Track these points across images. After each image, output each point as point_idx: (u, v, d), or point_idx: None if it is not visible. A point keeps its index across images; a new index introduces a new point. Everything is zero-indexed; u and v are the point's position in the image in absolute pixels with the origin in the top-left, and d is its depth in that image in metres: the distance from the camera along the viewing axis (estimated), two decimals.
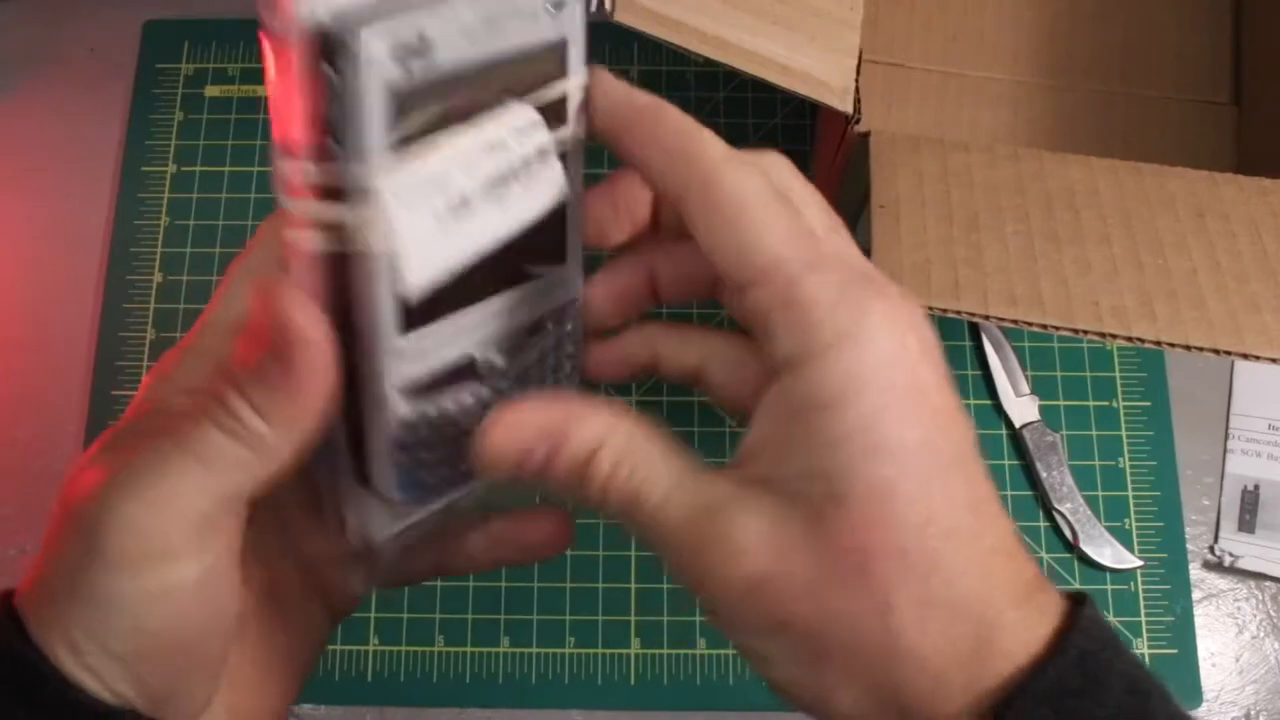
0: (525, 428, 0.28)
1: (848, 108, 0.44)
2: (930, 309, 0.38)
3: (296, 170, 0.26)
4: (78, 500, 0.26)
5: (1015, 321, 0.38)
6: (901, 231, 0.40)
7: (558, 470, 0.28)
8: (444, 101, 0.27)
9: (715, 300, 0.31)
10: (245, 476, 0.27)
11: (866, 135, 0.43)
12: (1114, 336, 0.38)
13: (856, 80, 0.44)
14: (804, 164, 0.63)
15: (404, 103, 0.26)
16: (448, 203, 0.27)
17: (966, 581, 0.25)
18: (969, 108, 0.57)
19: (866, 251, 0.39)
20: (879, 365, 0.25)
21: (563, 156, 0.30)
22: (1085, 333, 0.38)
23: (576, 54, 0.29)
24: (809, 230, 0.27)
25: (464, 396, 0.30)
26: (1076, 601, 0.27)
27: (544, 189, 0.29)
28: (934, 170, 0.42)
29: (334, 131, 0.25)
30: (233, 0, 0.67)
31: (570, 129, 0.30)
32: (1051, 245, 0.40)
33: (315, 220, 0.26)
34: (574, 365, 0.33)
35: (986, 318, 0.38)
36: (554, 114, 0.29)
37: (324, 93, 0.25)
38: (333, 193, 0.26)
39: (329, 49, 0.24)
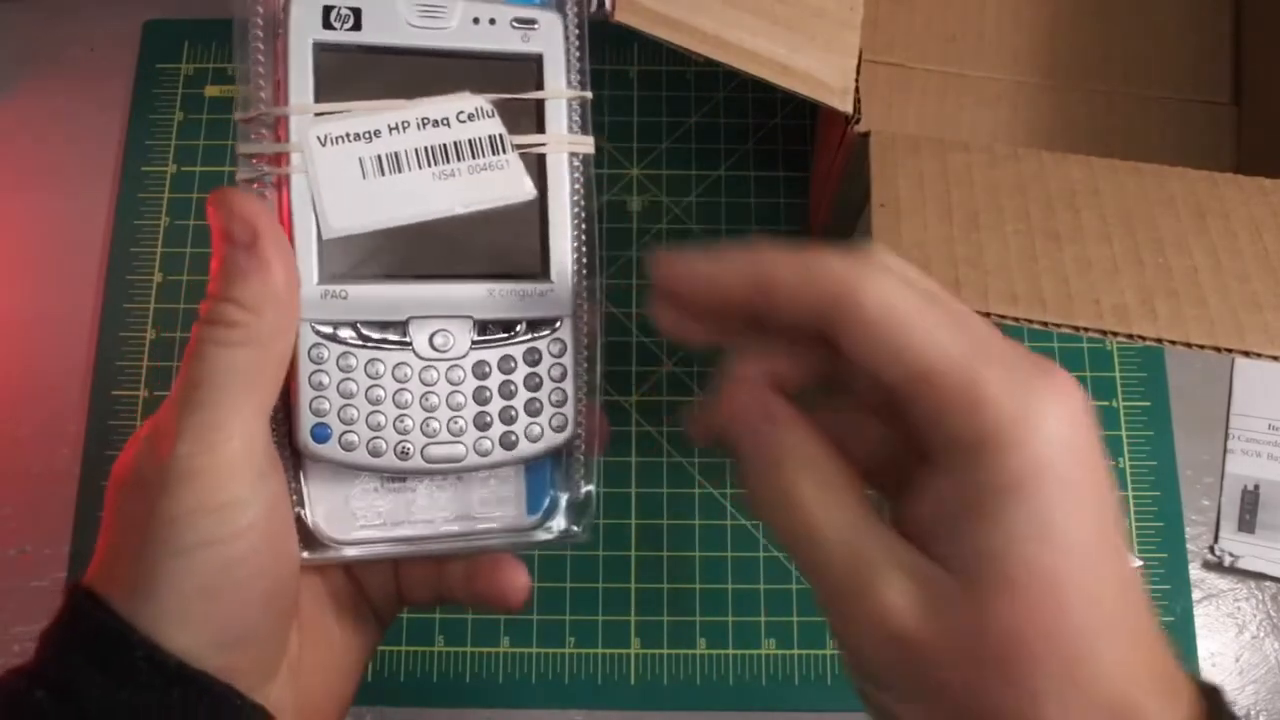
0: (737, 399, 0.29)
1: (848, 108, 0.44)
2: None
3: (259, 115, 0.31)
4: (131, 471, 0.29)
5: (1016, 319, 0.38)
6: (902, 230, 0.40)
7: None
8: (384, 76, 0.32)
9: None
10: (257, 380, 0.29)
11: (866, 135, 0.43)
12: (1115, 334, 0.37)
13: (856, 80, 0.44)
14: (804, 164, 0.63)
15: (336, 64, 0.31)
16: (374, 155, 0.31)
17: (1113, 673, 0.25)
18: (969, 108, 0.57)
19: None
20: (1056, 454, 0.25)
21: (540, 162, 0.33)
22: (1086, 330, 0.38)
23: (555, 70, 0.33)
24: (960, 320, 0.28)
25: (398, 363, 0.32)
26: (1210, 691, 0.27)
27: (501, 181, 0.32)
28: (934, 170, 0.42)
29: (280, 81, 0.31)
30: (231, 1, 0.67)
31: (549, 138, 0.33)
32: (1052, 244, 0.40)
33: (258, 155, 0.31)
34: (565, 399, 0.34)
35: (987, 315, 0.38)
36: (526, 117, 0.32)
37: (278, 48, 0.31)
38: (276, 135, 0.31)
39: (284, 11, 0.31)
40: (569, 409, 0.34)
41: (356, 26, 0.31)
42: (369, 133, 0.31)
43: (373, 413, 0.32)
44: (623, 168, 0.62)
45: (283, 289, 0.29)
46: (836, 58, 0.44)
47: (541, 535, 0.35)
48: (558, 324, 0.34)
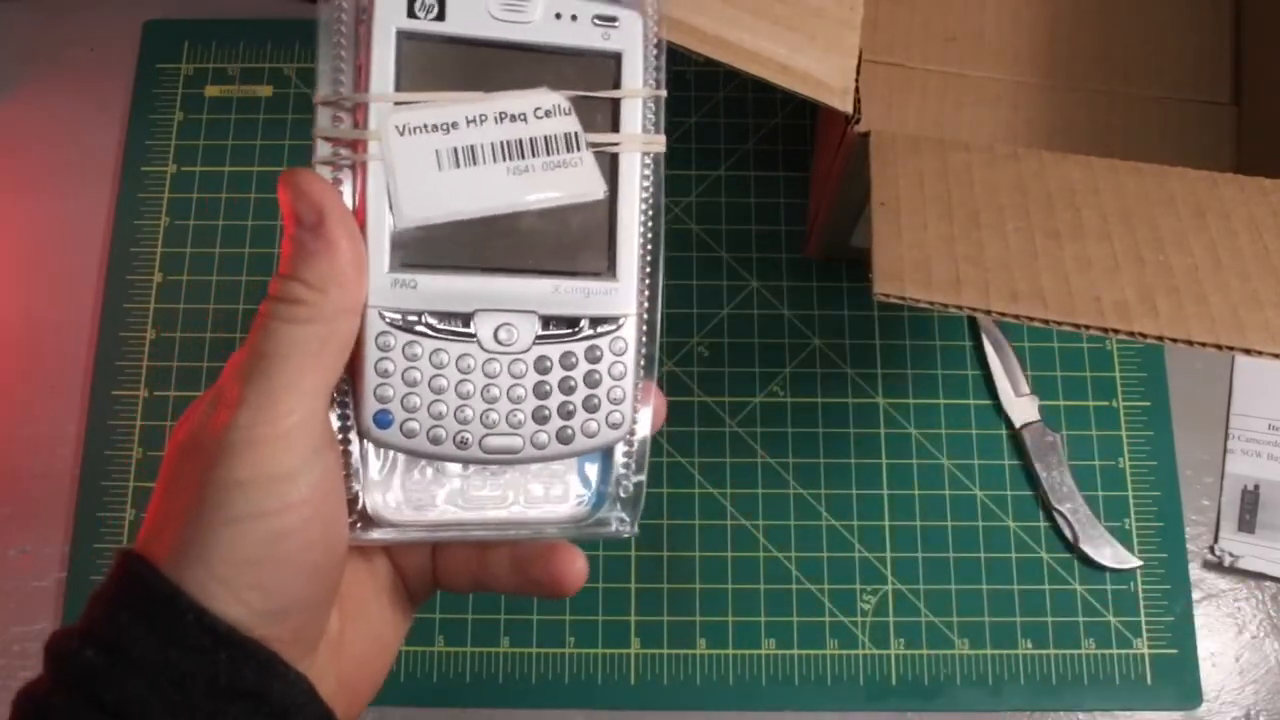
0: None
1: (848, 108, 0.44)
2: (931, 304, 0.38)
3: (339, 101, 0.31)
4: (190, 435, 0.29)
5: (1017, 316, 0.38)
6: (902, 228, 0.39)
7: None
8: (466, 63, 0.32)
9: None
10: (320, 357, 0.29)
11: (866, 135, 0.43)
12: (1116, 331, 0.37)
13: (856, 80, 0.44)
14: (804, 164, 0.63)
15: (418, 53, 0.31)
16: (451, 147, 0.31)
17: None
18: (969, 108, 0.57)
19: (868, 249, 0.39)
20: None
21: (612, 161, 0.33)
22: (1087, 328, 0.38)
23: (633, 69, 0.33)
24: None
25: (462, 354, 0.32)
26: None
27: (574, 178, 0.32)
28: (934, 169, 0.42)
29: (362, 68, 0.31)
30: (233, 0, 0.67)
31: (630, 138, 0.33)
32: (1052, 242, 0.40)
33: (336, 140, 0.31)
34: (623, 398, 0.34)
35: (988, 312, 0.38)
36: (601, 115, 0.33)
37: (361, 34, 0.31)
38: (355, 121, 0.31)
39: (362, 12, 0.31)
40: (626, 406, 0.34)
41: (440, 17, 0.32)
42: (447, 124, 0.32)
43: (434, 401, 0.32)
44: None
45: (348, 269, 0.29)
46: (836, 58, 0.44)
47: (592, 526, 0.35)
48: (621, 322, 0.34)
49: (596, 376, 0.33)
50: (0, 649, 0.57)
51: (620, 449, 0.35)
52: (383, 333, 0.32)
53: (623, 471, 0.35)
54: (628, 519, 0.35)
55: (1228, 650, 0.56)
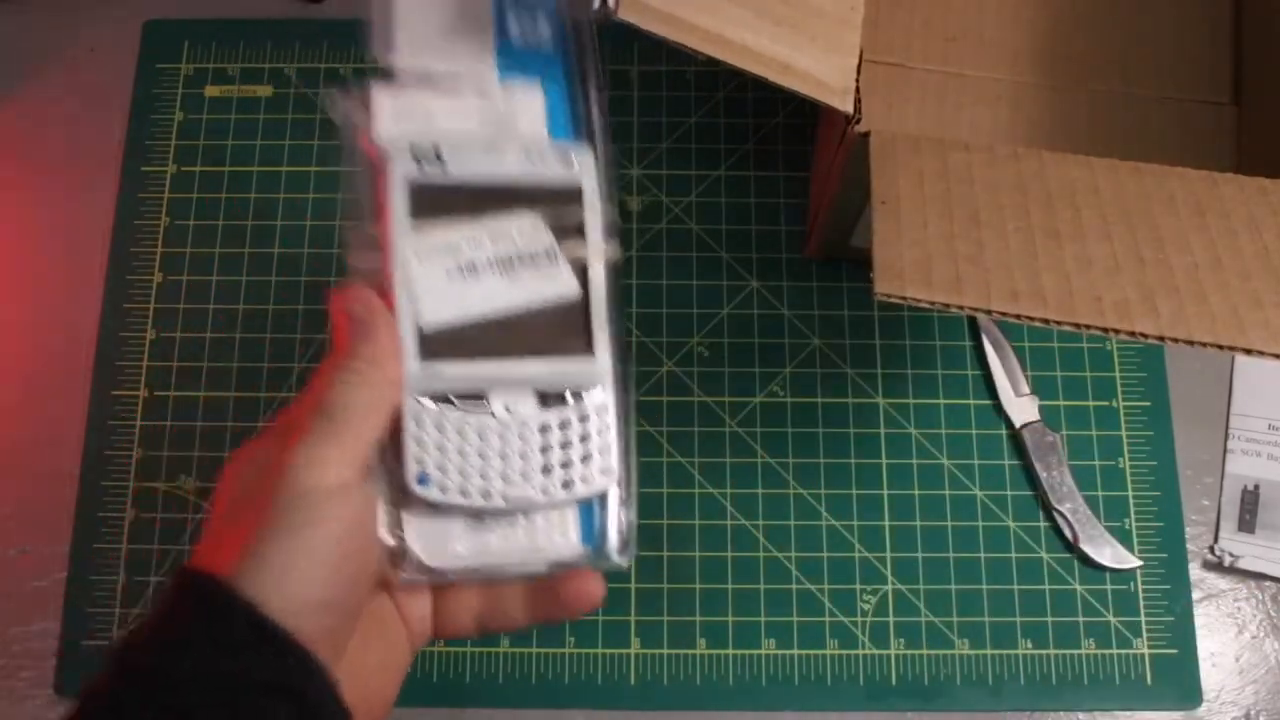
0: None
1: (848, 108, 0.44)
2: (932, 304, 0.38)
3: (363, 234, 0.40)
4: (262, 451, 0.37)
5: (1018, 316, 0.38)
6: (902, 227, 0.39)
7: None
8: (462, 199, 0.41)
9: None
10: (369, 413, 0.37)
11: (866, 135, 0.43)
12: (1117, 331, 0.37)
13: (857, 80, 0.44)
14: (804, 164, 0.63)
15: (424, 193, 0.40)
16: (456, 264, 0.40)
17: None
18: (969, 108, 0.57)
19: (868, 249, 0.39)
20: None
21: (580, 265, 0.41)
22: (1088, 327, 0.38)
23: (591, 196, 0.42)
24: None
25: (481, 424, 0.40)
26: None
27: (553, 281, 0.41)
28: (934, 169, 0.42)
29: (381, 208, 0.40)
30: (233, 0, 0.67)
31: (589, 248, 0.41)
32: (1053, 242, 0.40)
33: (369, 268, 0.40)
34: (609, 451, 0.41)
35: (989, 312, 0.38)
36: (572, 231, 0.41)
37: (380, 184, 0.40)
38: (380, 250, 0.40)
39: (381, 154, 0.40)
40: (612, 455, 0.42)
41: (439, 165, 0.41)
42: (452, 247, 0.40)
43: (462, 463, 0.40)
44: (623, 167, 0.62)
45: (390, 353, 0.38)
46: (837, 57, 0.44)
47: (590, 561, 0.41)
48: (601, 388, 0.42)
49: (586, 434, 0.41)
50: (0, 649, 0.57)
51: (613, 492, 0.42)
52: (418, 410, 0.40)
53: (617, 511, 0.42)
54: (624, 552, 0.42)
55: (1228, 650, 0.56)
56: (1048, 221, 0.40)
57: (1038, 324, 0.38)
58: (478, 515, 0.41)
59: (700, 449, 0.59)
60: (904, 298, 0.38)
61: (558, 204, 0.42)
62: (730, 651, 0.56)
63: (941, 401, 0.59)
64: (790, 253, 0.61)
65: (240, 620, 0.32)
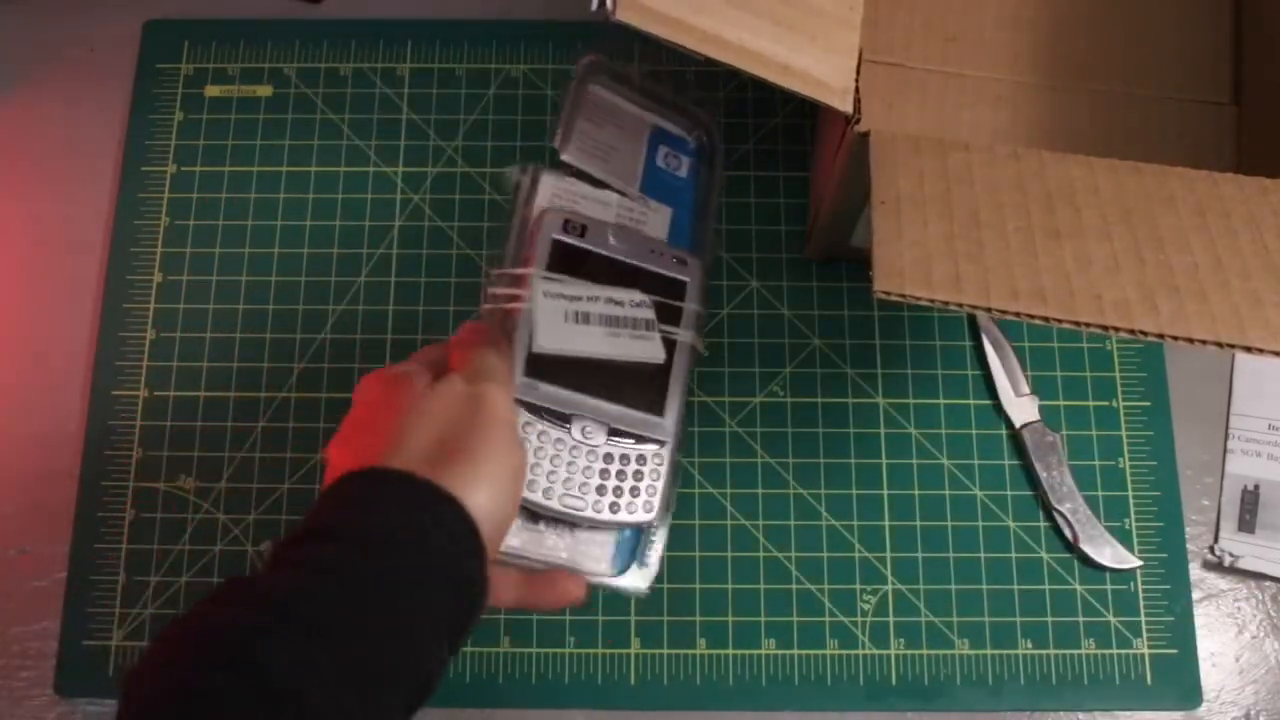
0: None
1: (848, 108, 0.44)
2: (932, 302, 0.38)
3: (505, 274, 0.51)
4: (462, 383, 0.42)
5: (1018, 314, 0.38)
6: (903, 227, 0.40)
7: None
8: (591, 266, 0.51)
9: None
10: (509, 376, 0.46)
11: (866, 135, 0.43)
12: (1117, 329, 0.38)
13: (856, 80, 0.44)
14: (803, 164, 0.63)
15: (563, 251, 0.51)
16: (574, 310, 0.50)
17: None
18: (969, 108, 0.57)
19: (868, 249, 0.39)
20: None
21: (670, 343, 0.51)
22: (1088, 325, 0.38)
23: (692, 293, 0.52)
24: None
25: (558, 439, 0.49)
26: None
27: (645, 347, 0.50)
28: (934, 169, 0.42)
29: (527, 255, 0.51)
30: (233, 0, 0.67)
31: (683, 333, 0.51)
32: (1053, 241, 0.40)
33: (502, 297, 0.50)
34: (655, 493, 0.50)
35: (989, 310, 0.38)
36: (670, 314, 0.51)
37: (530, 236, 0.52)
38: (516, 287, 0.50)
39: (539, 218, 0.52)
40: (657, 500, 0.49)
41: (581, 236, 0.51)
42: (573, 296, 0.50)
43: (535, 464, 0.48)
44: None
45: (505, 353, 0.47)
46: (836, 58, 0.44)
47: (616, 583, 0.50)
48: (663, 444, 0.50)
49: (640, 474, 0.49)
50: (0, 649, 0.57)
51: (652, 541, 0.50)
52: (518, 412, 0.48)
53: (648, 552, 0.50)
54: (644, 585, 0.50)
55: (1228, 650, 0.56)
56: (1048, 221, 0.40)
57: (1038, 322, 0.38)
58: (535, 517, 0.49)
59: (700, 449, 0.59)
60: (904, 296, 0.38)
61: (664, 292, 0.51)
62: (730, 651, 0.56)
63: (941, 401, 0.59)
64: (790, 253, 0.61)
65: (448, 513, 0.37)
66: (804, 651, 0.56)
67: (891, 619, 0.56)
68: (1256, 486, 0.58)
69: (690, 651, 0.56)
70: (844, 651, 0.56)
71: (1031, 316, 0.38)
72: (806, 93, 0.43)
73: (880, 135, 0.43)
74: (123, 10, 0.67)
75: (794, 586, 0.57)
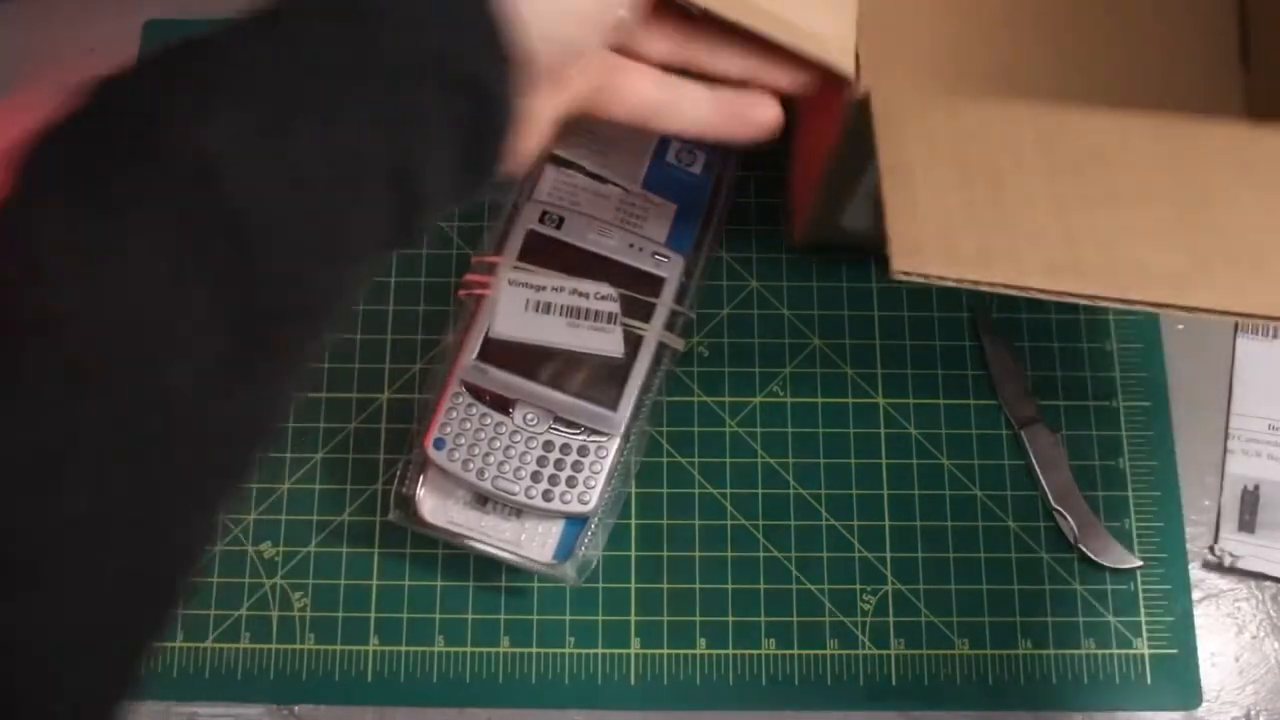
0: None
1: (849, 68, 0.40)
2: (959, 282, 0.34)
3: (482, 260, 0.53)
4: None
5: (1059, 294, 0.34)
6: (917, 197, 0.36)
7: None
8: (563, 257, 0.52)
9: None
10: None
11: (867, 98, 0.39)
12: (1173, 307, 0.33)
13: (856, 47, 0.41)
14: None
15: (536, 241, 0.52)
16: (536, 300, 0.51)
17: None
18: (976, 60, 0.57)
19: (861, 229, 0.37)
20: None
21: (637, 339, 0.51)
22: (1138, 304, 0.33)
23: (667, 291, 0.53)
24: None
25: (499, 422, 0.50)
26: None
27: (604, 340, 0.51)
28: (946, 130, 0.38)
29: (501, 243, 0.53)
30: (233, 0, 0.67)
31: (649, 330, 0.52)
32: (1086, 207, 0.35)
33: (480, 281, 0.52)
34: (594, 486, 0.51)
35: (1024, 289, 0.34)
36: (641, 310, 0.52)
37: (507, 225, 0.54)
38: (488, 271, 0.52)
39: (519, 209, 0.54)
40: (594, 494, 0.51)
41: (558, 227, 0.53)
42: (538, 286, 0.51)
43: (473, 445, 0.50)
44: None
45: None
46: (835, 16, 0.41)
47: (551, 571, 0.52)
48: (610, 438, 0.51)
49: (580, 465, 0.51)
50: None
51: (590, 530, 0.52)
52: (458, 393, 0.51)
53: (589, 542, 0.52)
54: (576, 575, 0.52)
55: (1228, 650, 0.56)
56: (1078, 184, 0.36)
57: (1082, 301, 0.34)
58: (481, 498, 0.50)
59: (700, 449, 0.58)
60: (926, 275, 0.34)
61: (640, 288, 0.52)
62: (730, 651, 0.56)
63: (941, 401, 0.59)
64: (791, 253, 0.61)
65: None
66: (804, 652, 0.56)
67: (891, 619, 0.56)
68: (1257, 486, 0.58)
69: (690, 651, 0.56)
70: (844, 651, 0.56)
71: (1073, 295, 0.33)
72: (809, 49, 0.39)
73: (883, 95, 0.39)
74: (123, 10, 0.67)
75: (794, 586, 0.56)
